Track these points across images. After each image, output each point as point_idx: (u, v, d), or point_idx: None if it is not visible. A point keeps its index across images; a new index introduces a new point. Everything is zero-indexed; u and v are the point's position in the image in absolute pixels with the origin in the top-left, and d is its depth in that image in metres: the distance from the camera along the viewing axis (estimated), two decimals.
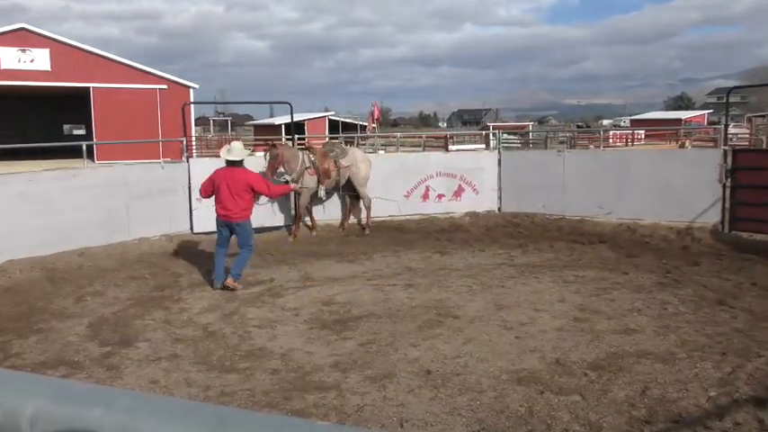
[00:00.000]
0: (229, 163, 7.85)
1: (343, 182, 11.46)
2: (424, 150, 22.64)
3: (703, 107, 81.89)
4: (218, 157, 11.43)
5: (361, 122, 48.12)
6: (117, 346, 5.99)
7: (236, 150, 7.93)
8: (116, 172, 10.66)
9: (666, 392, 4.66)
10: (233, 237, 8.04)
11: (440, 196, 12.44)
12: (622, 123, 69.09)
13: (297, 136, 13.83)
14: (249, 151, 8.33)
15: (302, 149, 11.53)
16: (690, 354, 5.41)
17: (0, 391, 1.12)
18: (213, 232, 10.57)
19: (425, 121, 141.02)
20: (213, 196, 8.00)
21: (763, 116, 32.23)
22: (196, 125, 38.98)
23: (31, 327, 6.59)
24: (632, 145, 28.58)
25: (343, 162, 11.29)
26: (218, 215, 7.85)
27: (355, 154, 11.87)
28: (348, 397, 4.79)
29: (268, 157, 10.20)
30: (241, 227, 7.80)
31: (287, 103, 13.42)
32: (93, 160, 27.47)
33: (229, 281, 7.69)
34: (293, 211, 11.52)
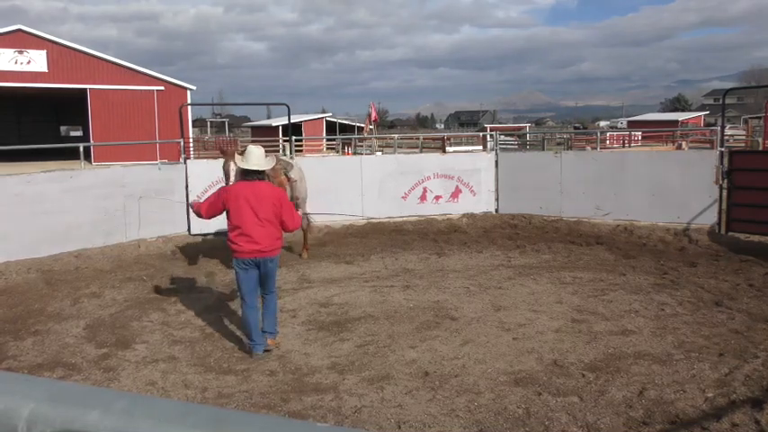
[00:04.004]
0: (247, 175, 5.86)
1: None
2: (421, 152, 22.65)
3: (700, 109, 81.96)
4: (215, 158, 11.28)
5: (358, 124, 48.15)
6: (114, 348, 5.98)
7: (256, 157, 5.84)
8: (113, 173, 10.64)
9: (664, 393, 4.67)
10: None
11: (437, 198, 12.45)
12: (619, 125, 69.20)
13: (294, 137, 13.81)
14: (273, 159, 6.09)
15: None
16: (687, 355, 5.42)
17: None
18: (210, 233, 10.62)
19: (423, 122, 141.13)
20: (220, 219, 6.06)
21: (759, 118, 32.31)
22: (193, 126, 38.94)
23: (27, 328, 6.57)
24: (629, 146, 28.61)
25: (292, 176, 9.34)
26: (241, 252, 5.60)
27: (299, 166, 9.96)
28: (346, 398, 4.78)
29: (233, 168, 7.84)
30: (273, 264, 5.79)
31: (284, 104, 13.42)
32: (90, 162, 27.44)
33: (271, 341, 5.87)
34: None
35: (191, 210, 6.49)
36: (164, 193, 10.67)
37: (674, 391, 4.70)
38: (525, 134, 39.02)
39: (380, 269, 8.98)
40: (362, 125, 41.46)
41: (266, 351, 5.73)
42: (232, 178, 7.61)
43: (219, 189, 6.16)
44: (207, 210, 5.93)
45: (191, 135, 30.21)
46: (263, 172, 5.87)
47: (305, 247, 9.96)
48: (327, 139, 34.06)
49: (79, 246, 9.54)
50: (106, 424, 1.03)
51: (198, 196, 10.40)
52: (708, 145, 22.80)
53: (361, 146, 28.05)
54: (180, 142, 12.05)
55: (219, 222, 8.58)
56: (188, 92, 33.58)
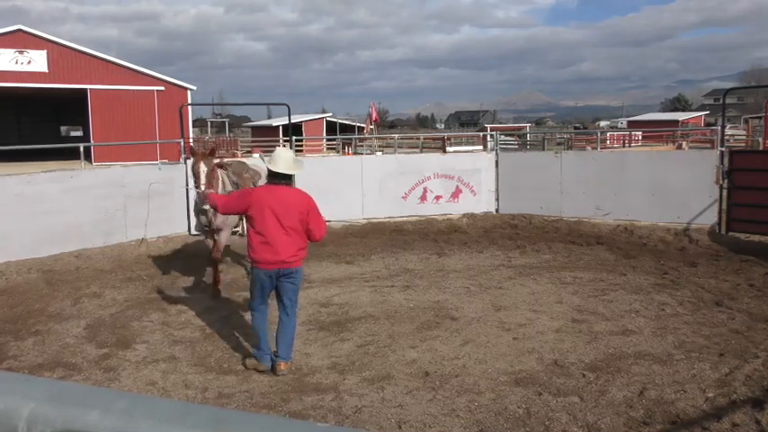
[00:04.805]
0: (274, 178, 5.32)
1: None
2: (421, 152, 22.65)
3: (700, 109, 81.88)
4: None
5: (358, 124, 48.18)
6: (114, 348, 5.98)
7: (285, 161, 5.29)
8: (113, 173, 10.63)
9: (664, 393, 4.67)
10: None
11: (437, 198, 12.45)
12: (619, 125, 69.18)
13: (294, 137, 13.82)
14: (303, 163, 5.54)
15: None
16: (687, 355, 5.42)
17: None
18: None
19: (423, 122, 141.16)
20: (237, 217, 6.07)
21: (759, 117, 32.30)
22: (193, 127, 38.95)
23: (28, 329, 6.57)
24: (629, 146, 28.60)
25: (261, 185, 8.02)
26: (262, 261, 5.19)
27: (262, 173, 8.66)
28: (346, 398, 4.78)
29: (203, 169, 7.11)
30: (296, 276, 5.33)
31: (284, 104, 13.43)
32: (90, 162, 27.45)
33: (283, 365, 5.32)
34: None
35: (206, 200, 6.00)
36: (164, 194, 10.66)
37: (675, 391, 4.70)
38: (525, 134, 39.02)
39: (381, 269, 8.97)
40: (363, 125, 41.48)
41: (281, 374, 5.27)
42: (203, 180, 7.04)
43: (243, 189, 5.74)
44: (225, 205, 5.60)
45: (191, 135, 30.24)
46: (290, 177, 5.39)
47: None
48: (328, 140, 34.09)
49: (79, 246, 9.54)
50: (106, 424, 1.03)
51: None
52: (708, 145, 22.79)
53: (362, 146, 28.07)
54: (180, 142, 12.06)
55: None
56: (188, 92, 33.59)
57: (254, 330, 5.54)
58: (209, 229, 7.81)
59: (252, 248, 5.25)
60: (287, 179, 5.34)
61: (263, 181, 8.45)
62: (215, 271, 7.78)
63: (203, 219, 7.66)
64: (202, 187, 7.02)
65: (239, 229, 8.51)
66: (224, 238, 7.94)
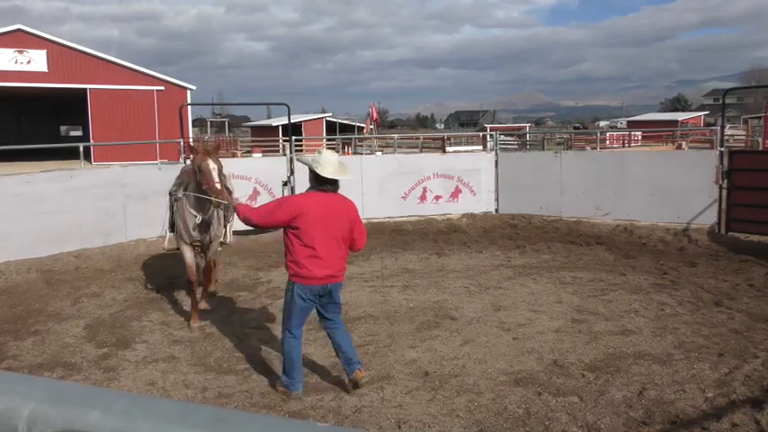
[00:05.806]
0: (321, 184, 4.83)
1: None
2: (421, 152, 22.66)
3: (700, 109, 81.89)
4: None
5: (358, 124, 48.17)
6: (114, 348, 5.98)
7: (333, 165, 4.84)
8: (113, 173, 10.63)
9: (664, 393, 4.67)
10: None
11: (437, 198, 12.45)
12: (619, 125, 69.17)
13: (294, 137, 13.81)
14: (347, 167, 5.12)
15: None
16: (687, 355, 5.42)
17: None
18: None
19: (423, 122, 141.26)
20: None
21: (759, 117, 32.31)
22: (193, 126, 38.92)
23: (27, 328, 6.57)
24: (629, 146, 28.61)
25: (230, 186, 7.38)
26: (311, 278, 4.70)
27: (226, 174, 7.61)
28: (346, 398, 4.79)
29: (214, 167, 6.19)
30: (337, 293, 4.96)
31: (284, 104, 13.42)
32: (90, 162, 27.45)
33: (359, 373, 4.89)
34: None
35: (234, 214, 5.51)
36: (163, 193, 10.60)
37: (674, 391, 4.71)
38: (525, 134, 39.02)
39: (380, 269, 8.97)
40: (363, 125, 41.48)
41: (357, 384, 4.87)
42: (215, 178, 6.10)
43: (283, 199, 5.37)
44: (263, 219, 4.85)
45: (191, 135, 30.24)
46: (337, 183, 4.89)
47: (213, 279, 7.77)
48: (327, 139, 34.07)
49: (79, 246, 9.54)
50: (106, 424, 1.03)
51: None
52: (708, 145, 22.80)
53: (362, 146, 28.07)
54: (180, 142, 12.05)
55: None
56: (188, 92, 33.58)
57: (287, 356, 4.90)
58: (201, 243, 6.90)
59: (297, 263, 4.70)
60: (334, 185, 4.86)
61: (229, 182, 7.69)
62: (205, 287, 7.23)
63: (203, 230, 6.69)
64: (217, 185, 6.09)
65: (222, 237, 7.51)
66: (215, 250, 7.21)
